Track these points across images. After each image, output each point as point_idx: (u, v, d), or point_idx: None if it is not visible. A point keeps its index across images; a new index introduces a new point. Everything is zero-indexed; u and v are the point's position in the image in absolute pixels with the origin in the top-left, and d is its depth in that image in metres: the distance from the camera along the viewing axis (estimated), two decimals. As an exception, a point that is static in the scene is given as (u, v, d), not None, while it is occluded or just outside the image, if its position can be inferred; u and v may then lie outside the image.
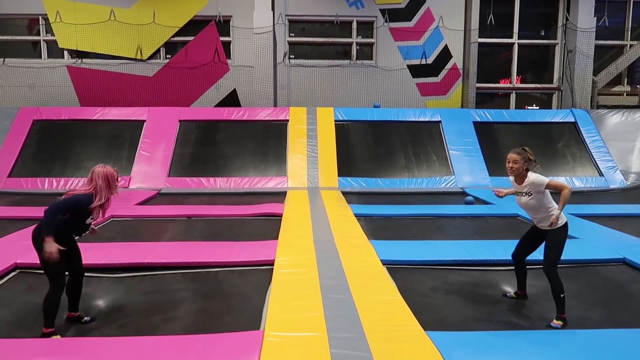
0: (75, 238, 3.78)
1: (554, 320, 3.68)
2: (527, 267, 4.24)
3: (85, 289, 4.38)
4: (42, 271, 3.61)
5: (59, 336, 3.48)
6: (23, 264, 4.93)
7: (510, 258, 4.48)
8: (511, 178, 4.07)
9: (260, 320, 3.62)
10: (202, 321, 3.73)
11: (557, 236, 3.84)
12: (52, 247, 3.34)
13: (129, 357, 2.92)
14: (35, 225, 3.65)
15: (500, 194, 4.31)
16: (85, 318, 3.81)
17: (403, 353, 2.96)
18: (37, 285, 4.47)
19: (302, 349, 3.01)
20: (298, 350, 3.00)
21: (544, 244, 3.95)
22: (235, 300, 4.16)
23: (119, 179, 3.78)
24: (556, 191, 3.86)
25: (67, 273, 3.66)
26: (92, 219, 3.72)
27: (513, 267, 4.32)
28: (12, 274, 4.82)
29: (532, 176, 3.90)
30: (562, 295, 3.70)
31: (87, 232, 3.81)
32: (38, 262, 4.81)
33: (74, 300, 3.80)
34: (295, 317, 3.51)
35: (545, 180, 3.84)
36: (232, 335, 3.22)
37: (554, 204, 3.90)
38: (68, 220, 3.52)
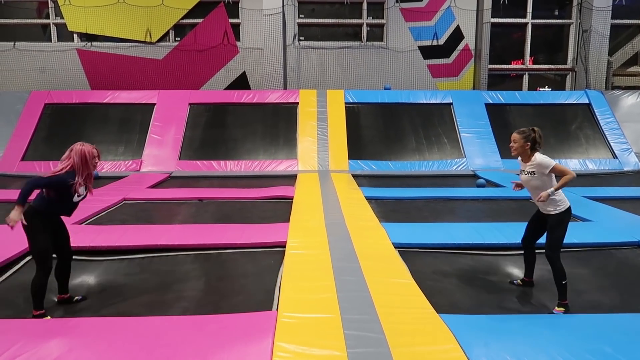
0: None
1: (556, 308, 3.63)
2: (537, 251, 4.19)
3: (97, 269, 4.46)
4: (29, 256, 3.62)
5: (49, 317, 3.51)
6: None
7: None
8: (518, 158, 4.01)
9: (273, 301, 3.66)
10: (215, 301, 3.78)
11: (559, 220, 3.77)
12: (15, 215, 3.34)
13: (146, 336, 2.96)
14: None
15: (517, 188, 4.23)
16: (76, 297, 3.87)
17: (416, 334, 2.97)
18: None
19: (316, 329, 3.03)
20: (312, 331, 3.02)
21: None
22: (247, 281, 4.20)
23: (98, 156, 3.71)
24: (560, 175, 3.81)
25: (54, 256, 3.68)
26: (79, 196, 3.70)
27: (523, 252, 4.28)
28: (28, 257, 4.89)
29: (539, 157, 3.83)
30: (564, 282, 3.63)
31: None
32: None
33: (62, 282, 3.83)
34: (308, 298, 3.53)
35: (552, 163, 3.76)
36: (247, 316, 3.25)
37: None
38: (53, 200, 3.52)
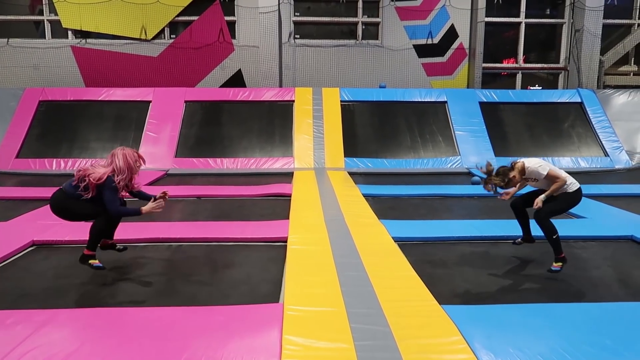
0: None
1: (553, 264, 3.80)
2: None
3: (102, 257, 4.52)
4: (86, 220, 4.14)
5: (97, 260, 4.02)
6: (40, 242, 5.02)
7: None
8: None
9: (279, 294, 3.72)
10: (221, 293, 3.83)
11: (569, 196, 3.94)
12: (148, 208, 3.98)
13: (155, 327, 3.01)
14: (50, 202, 4.00)
15: (507, 197, 4.38)
16: (119, 246, 4.32)
17: (421, 327, 3.04)
18: (54, 261, 4.58)
19: (322, 323, 3.10)
20: (318, 324, 3.08)
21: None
22: (252, 276, 4.25)
23: (141, 159, 4.04)
24: (553, 180, 3.94)
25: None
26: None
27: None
28: (30, 249, 4.91)
29: (530, 167, 3.96)
30: (554, 237, 3.85)
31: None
32: (55, 239, 5.01)
33: (109, 230, 4.32)
34: (313, 292, 3.59)
35: (545, 171, 3.91)
36: (253, 308, 3.31)
37: (565, 175, 3.95)
38: (91, 199, 3.69)
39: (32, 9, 14.17)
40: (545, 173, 3.91)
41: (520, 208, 4.39)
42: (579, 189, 4.01)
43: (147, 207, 4.00)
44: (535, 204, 3.97)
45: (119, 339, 2.87)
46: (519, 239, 4.56)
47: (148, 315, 3.19)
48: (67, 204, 3.95)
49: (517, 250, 4.83)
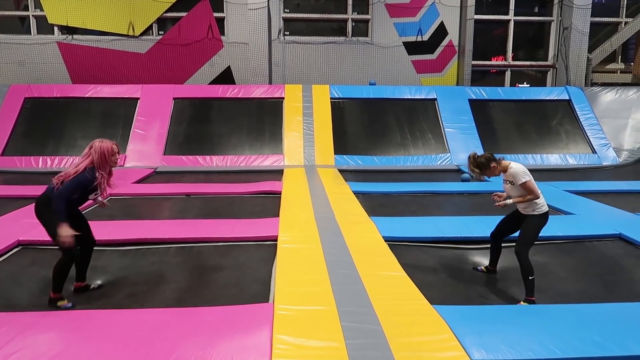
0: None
1: (522, 302, 3.68)
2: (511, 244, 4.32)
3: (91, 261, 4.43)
4: (55, 246, 3.63)
5: (65, 301, 3.58)
6: (26, 241, 4.94)
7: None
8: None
9: (269, 293, 3.69)
10: (211, 294, 3.79)
11: (535, 222, 3.88)
12: (66, 232, 3.40)
13: (144, 329, 2.96)
14: (35, 202, 3.67)
15: (501, 205, 4.29)
16: (93, 285, 3.91)
17: (412, 325, 3.03)
18: (41, 261, 4.51)
19: (312, 321, 3.08)
20: (309, 323, 3.06)
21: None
22: (241, 274, 4.21)
23: (119, 152, 3.75)
24: (527, 192, 3.88)
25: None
26: (96, 194, 3.70)
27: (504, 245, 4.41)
28: (16, 249, 4.83)
29: (514, 168, 3.93)
30: (530, 278, 3.67)
31: (96, 202, 3.84)
32: (41, 239, 4.91)
33: (81, 270, 3.86)
34: (303, 291, 3.57)
35: (523, 180, 3.85)
36: (243, 308, 3.28)
37: (538, 192, 3.90)
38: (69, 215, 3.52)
39: (17, 4, 13.91)
40: (523, 181, 3.87)
41: (498, 238, 4.31)
42: (547, 212, 3.97)
43: (66, 230, 3.41)
44: (501, 200, 3.96)
45: (106, 340, 2.83)
46: (482, 267, 4.47)
47: (136, 318, 3.15)
48: (45, 213, 3.57)
49: (507, 251, 4.76)
